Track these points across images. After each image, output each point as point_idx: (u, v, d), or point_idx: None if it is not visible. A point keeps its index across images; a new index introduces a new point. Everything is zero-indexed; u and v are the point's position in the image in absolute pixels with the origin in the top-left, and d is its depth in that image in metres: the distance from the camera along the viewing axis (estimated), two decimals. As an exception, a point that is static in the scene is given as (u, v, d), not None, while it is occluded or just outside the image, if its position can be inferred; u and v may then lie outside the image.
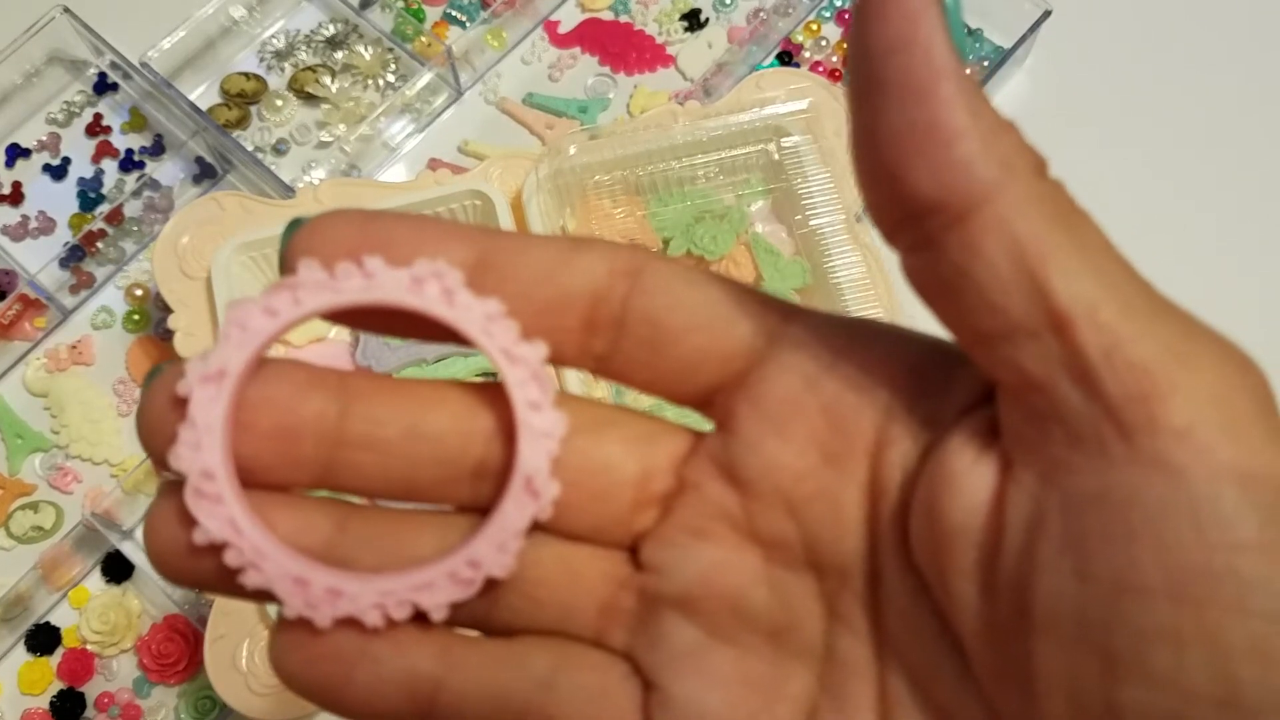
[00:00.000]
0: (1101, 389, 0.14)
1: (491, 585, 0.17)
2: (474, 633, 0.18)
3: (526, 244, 0.17)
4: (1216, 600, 0.13)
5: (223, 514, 0.16)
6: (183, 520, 0.16)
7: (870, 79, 0.14)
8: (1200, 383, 0.13)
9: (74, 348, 0.59)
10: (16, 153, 0.64)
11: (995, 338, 0.14)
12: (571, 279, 0.17)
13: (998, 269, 0.14)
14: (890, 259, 0.54)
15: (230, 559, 0.16)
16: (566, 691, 0.17)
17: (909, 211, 0.15)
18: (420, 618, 0.17)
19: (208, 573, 0.16)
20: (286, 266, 0.16)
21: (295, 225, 0.17)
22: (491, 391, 0.17)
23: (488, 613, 0.18)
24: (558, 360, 0.17)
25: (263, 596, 0.16)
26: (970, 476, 0.15)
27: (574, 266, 0.17)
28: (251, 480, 0.16)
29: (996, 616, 0.15)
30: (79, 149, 0.64)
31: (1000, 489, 0.15)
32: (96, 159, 0.64)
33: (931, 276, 0.15)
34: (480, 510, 0.17)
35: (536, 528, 0.17)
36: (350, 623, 0.16)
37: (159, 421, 0.16)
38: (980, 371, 0.15)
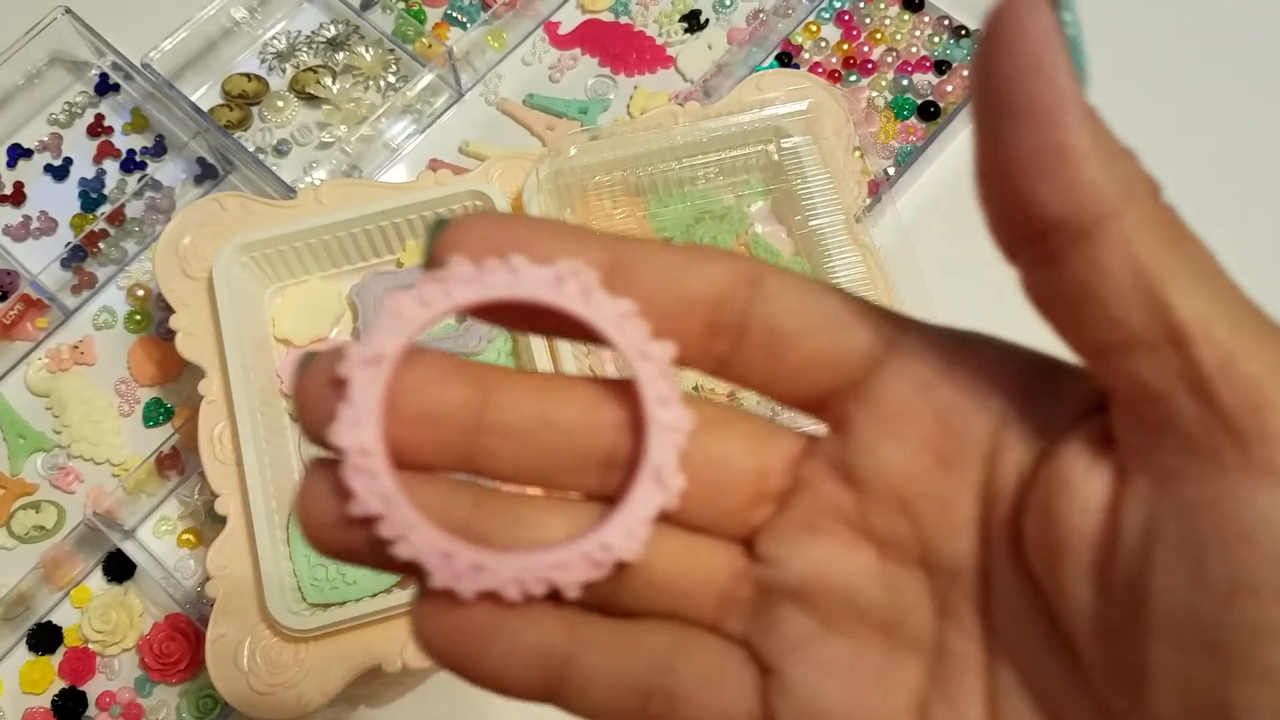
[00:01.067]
0: (1217, 400, 0.14)
1: (620, 568, 0.18)
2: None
3: (654, 250, 0.18)
4: None
5: (377, 488, 0.17)
6: (337, 493, 0.17)
7: (998, 103, 0.15)
8: None
9: (76, 348, 0.60)
10: (18, 153, 0.64)
11: (1114, 350, 0.15)
12: (695, 284, 0.18)
13: (1119, 285, 0.15)
14: (890, 259, 0.54)
15: (384, 530, 0.17)
16: (687, 671, 0.18)
17: (1033, 229, 0.15)
18: (553, 596, 0.18)
19: (358, 544, 0.17)
20: (434, 261, 0.17)
21: (442, 224, 0.18)
22: (618, 387, 0.18)
23: (612, 595, 0.19)
24: (680, 361, 0.18)
25: (409, 568, 0.17)
26: (1086, 482, 0.16)
27: (697, 272, 0.18)
28: (398, 460, 0.17)
29: (1110, 616, 0.16)
30: (81, 149, 0.65)
31: (1115, 494, 0.16)
32: (98, 159, 0.64)
33: (1052, 291, 0.16)
34: (605, 499, 0.18)
35: (661, 517, 0.18)
36: (490, 596, 0.17)
37: (318, 400, 0.17)
38: (1094, 382, 0.16)
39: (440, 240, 0.17)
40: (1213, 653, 0.14)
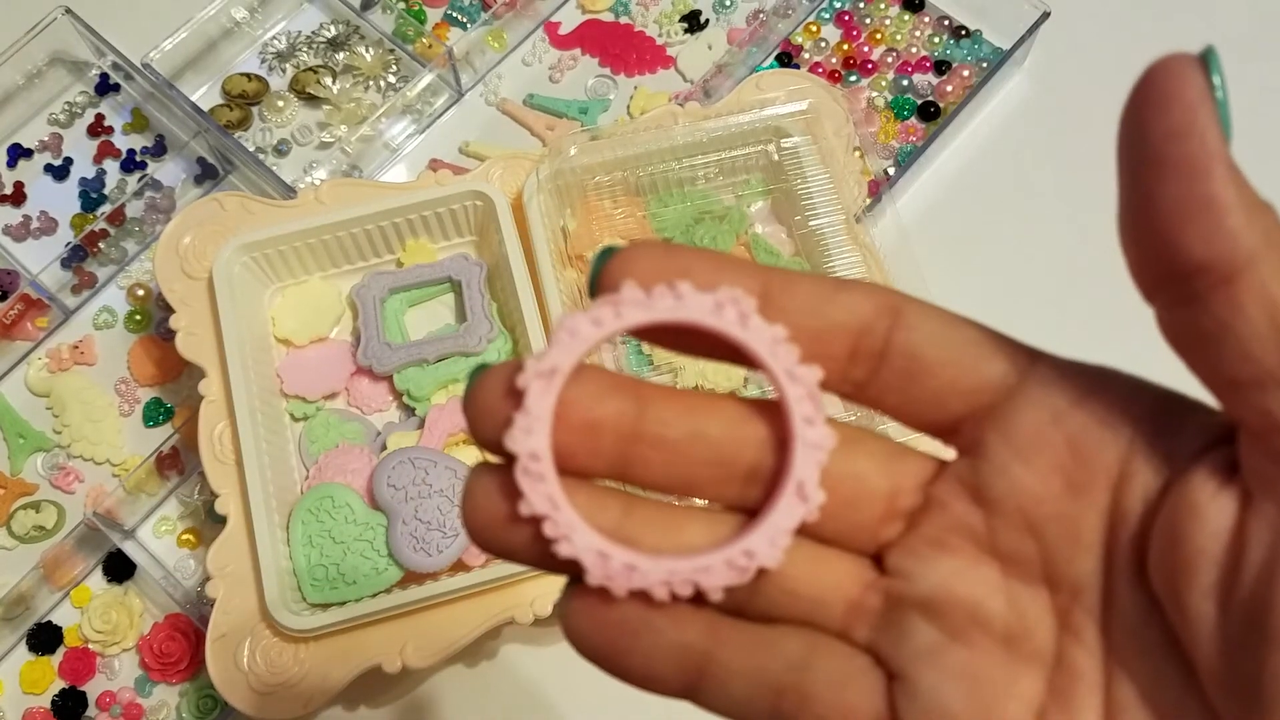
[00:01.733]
0: None
1: (761, 574, 0.19)
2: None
3: (803, 279, 0.20)
4: None
5: (545, 491, 0.18)
6: (505, 494, 0.19)
7: (1150, 159, 0.16)
8: None
9: (76, 347, 0.60)
10: (18, 153, 0.64)
11: (1247, 385, 0.16)
12: (839, 313, 0.19)
13: (1256, 325, 0.16)
14: (889, 260, 0.54)
15: (548, 530, 0.18)
16: (818, 673, 0.20)
17: (1176, 272, 0.17)
18: (696, 598, 0.19)
19: (521, 542, 0.19)
20: (603, 285, 0.19)
21: (610, 251, 0.19)
22: (763, 405, 0.20)
23: (749, 600, 0.20)
24: (822, 384, 0.19)
25: (566, 566, 0.19)
26: (1213, 506, 0.17)
27: (839, 302, 0.19)
28: (561, 466, 0.19)
29: (1232, 633, 0.17)
30: (81, 149, 0.65)
31: (1241, 518, 0.17)
32: (98, 159, 0.64)
33: (1189, 329, 0.17)
34: (746, 510, 0.20)
35: (800, 529, 0.19)
36: (640, 595, 0.19)
37: (495, 408, 0.19)
38: (1220, 416, 0.18)
39: (609, 266, 0.19)
40: None
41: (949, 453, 0.20)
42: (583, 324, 0.19)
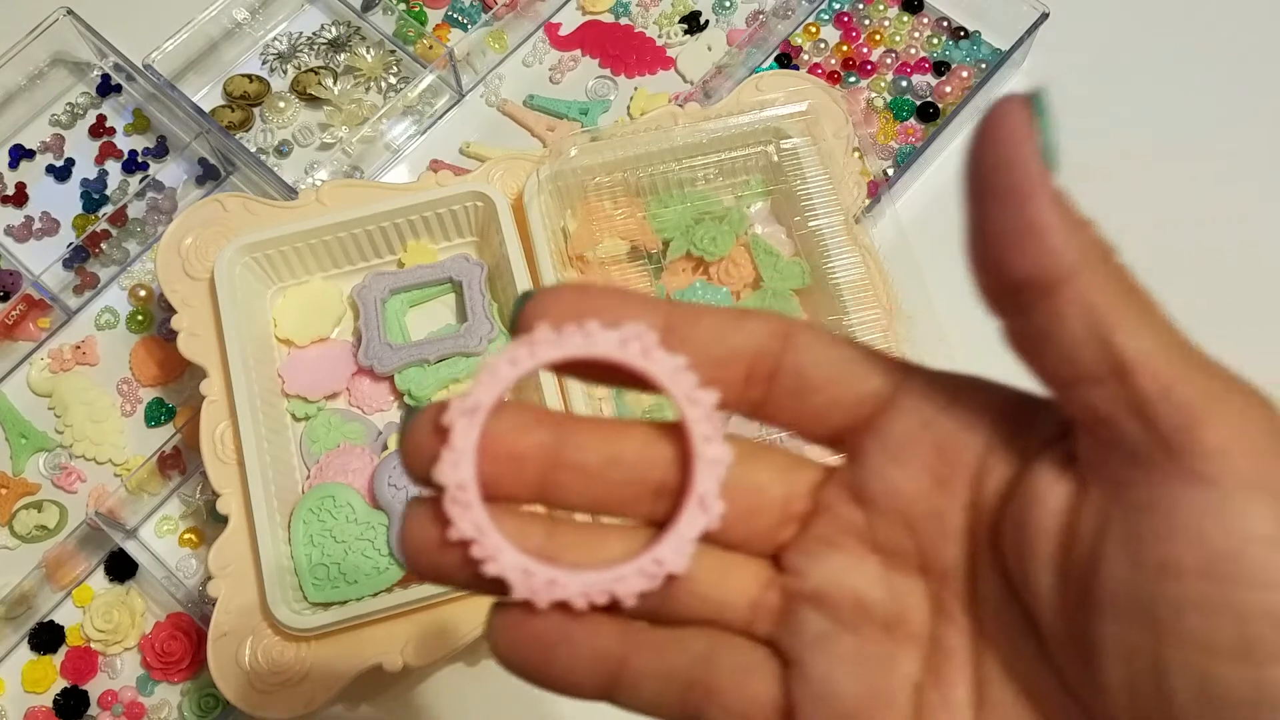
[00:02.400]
0: (1155, 421, 0.18)
1: (670, 580, 0.21)
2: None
3: (703, 312, 0.22)
4: (1239, 577, 0.17)
5: (472, 518, 0.20)
6: (437, 522, 0.21)
7: (983, 188, 0.18)
8: (1231, 415, 0.18)
9: (78, 348, 0.60)
10: (20, 154, 0.64)
11: (1073, 383, 0.18)
12: (738, 339, 0.21)
13: (1074, 331, 0.18)
14: (888, 261, 0.55)
15: (476, 551, 0.20)
16: (721, 667, 0.22)
17: (1010, 287, 0.19)
18: (612, 607, 0.21)
19: (452, 564, 0.21)
20: (521, 328, 0.21)
21: (526, 297, 0.21)
22: (670, 427, 0.22)
23: (660, 605, 0.22)
24: (721, 406, 0.21)
25: (493, 585, 0.21)
26: (1051, 492, 0.19)
27: (743, 330, 0.22)
28: (487, 494, 0.21)
29: (1068, 597, 0.19)
30: (83, 150, 0.65)
31: (1075, 501, 0.19)
32: (100, 160, 0.64)
33: (1024, 337, 0.19)
34: (656, 524, 0.22)
35: (704, 537, 0.21)
36: (561, 606, 0.21)
37: (425, 445, 0.21)
38: (1060, 412, 0.20)
39: (525, 310, 0.21)
40: (1147, 623, 0.18)
41: (837, 459, 0.23)
42: (501, 364, 0.21)
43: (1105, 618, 0.18)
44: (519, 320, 0.21)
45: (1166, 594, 0.18)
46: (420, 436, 0.21)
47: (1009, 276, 0.18)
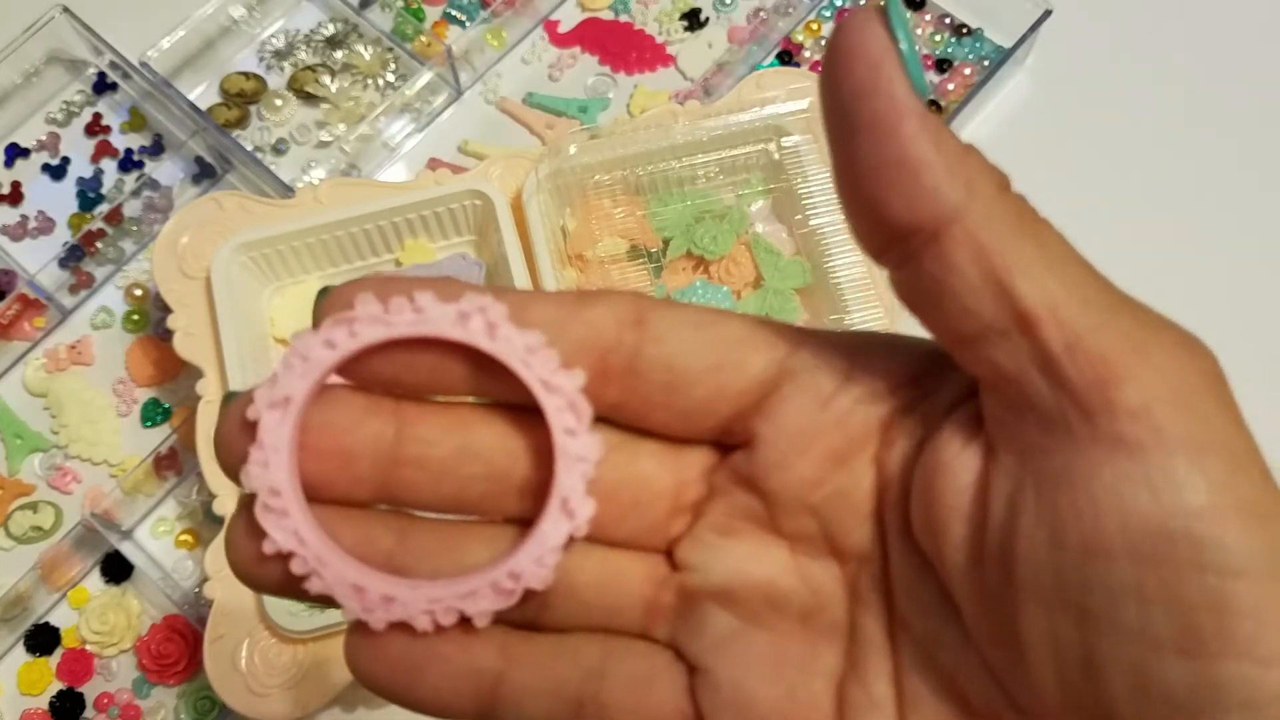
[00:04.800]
0: (1065, 379, 0.15)
1: (530, 595, 0.18)
2: None
3: (537, 297, 0.18)
4: (1174, 559, 0.15)
5: (288, 526, 0.17)
6: (254, 532, 0.17)
7: (843, 121, 0.16)
8: (1154, 367, 0.15)
9: (73, 348, 0.59)
10: (16, 152, 0.64)
11: (971, 339, 0.16)
12: (579, 330, 0.18)
13: (968, 278, 0.16)
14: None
15: (295, 567, 0.17)
16: (616, 677, 0.19)
17: (889, 235, 0.16)
18: (466, 624, 0.18)
19: (275, 579, 0.18)
20: (317, 325, 0.18)
21: (325, 292, 0.18)
22: (536, 414, 0.18)
23: (538, 615, 0.19)
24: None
25: (328, 601, 0.18)
26: (959, 462, 0.17)
27: (582, 319, 0.18)
28: (316, 496, 0.18)
29: (986, 583, 0.17)
30: (78, 149, 0.64)
31: (985, 471, 0.17)
32: (96, 159, 0.64)
33: (914, 289, 0.17)
34: (529, 522, 0.19)
35: (588, 536, 0.18)
36: (404, 626, 0.18)
37: (233, 443, 0.18)
38: (964, 371, 0.17)
39: (329, 299, 0.18)
40: (1076, 613, 0.15)
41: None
42: (314, 346, 0.17)
43: (1028, 606, 0.16)
44: (319, 313, 0.18)
45: (1094, 580, 0.15)
46: (228, 432, 0.18)
47: (886, 222, 0.16)
